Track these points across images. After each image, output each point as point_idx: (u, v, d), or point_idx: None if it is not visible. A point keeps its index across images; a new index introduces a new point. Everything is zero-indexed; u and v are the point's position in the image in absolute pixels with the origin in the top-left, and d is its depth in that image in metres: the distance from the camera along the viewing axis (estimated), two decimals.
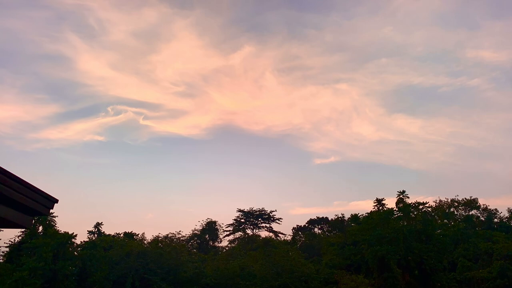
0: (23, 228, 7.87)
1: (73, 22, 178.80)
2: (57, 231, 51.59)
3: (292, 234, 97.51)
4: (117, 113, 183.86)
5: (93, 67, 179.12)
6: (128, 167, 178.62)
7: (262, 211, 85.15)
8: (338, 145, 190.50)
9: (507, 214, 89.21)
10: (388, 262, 53.94)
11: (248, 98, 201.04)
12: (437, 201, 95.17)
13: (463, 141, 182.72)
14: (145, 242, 60.40)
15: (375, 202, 63.25)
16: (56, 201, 6.05)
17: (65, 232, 51.34)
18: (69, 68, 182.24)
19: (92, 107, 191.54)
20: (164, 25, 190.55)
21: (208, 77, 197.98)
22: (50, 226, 55.47)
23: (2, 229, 19.75)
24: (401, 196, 61.92)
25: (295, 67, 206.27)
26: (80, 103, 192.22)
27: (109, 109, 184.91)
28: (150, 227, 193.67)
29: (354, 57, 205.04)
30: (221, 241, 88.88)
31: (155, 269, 45.60)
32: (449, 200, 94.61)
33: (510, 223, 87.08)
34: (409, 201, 61.63)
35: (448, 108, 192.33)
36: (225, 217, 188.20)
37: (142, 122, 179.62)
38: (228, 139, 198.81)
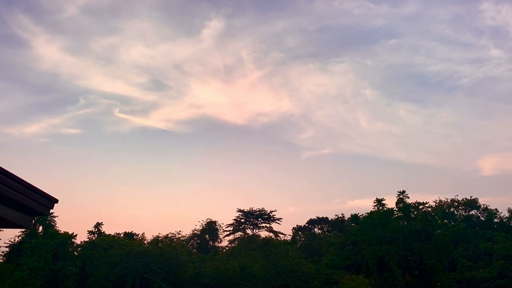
0: (23, 228, 7.87)
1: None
2: (57, 231, 51.63)
3: (292, 234, 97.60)
4: (89, 105, 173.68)
5: (50, 52, 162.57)
6: (116, 162, 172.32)
7: (262, 211, 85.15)
8: (333, 137, 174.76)
9: (507, 214, 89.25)
10: (388, 262, 53.95)
11: (226, 87, 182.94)
12: (437, 201, 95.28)
13: (472, 135, 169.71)
14: (145, 242, 60.45)
15: (375, 202, 63.29)
16: (56, 201, 6.05)
17: (65, 232, 51.42)
18: (25, 53, 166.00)
19: (60, 99, 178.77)
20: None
21: (180, 65, 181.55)
22: (50, 226, 55.50)
23: (2, 229, 19.76)
24: (401, 196, 61.97)
25: (278, 47, 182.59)
26: (46, 94, 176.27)
27: (80, 101, 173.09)
28: (149, 226, 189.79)
29: (353, 35, 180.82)
30: (221, 241, 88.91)
31: (155, 269, 45.61)
32: (449, 200, 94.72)
33: (510, 223, 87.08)
34: (411, 199, 61.75)
35: (461, 98, 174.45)
36: (224, 216, 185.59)
37: (118, 115, 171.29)
38: (213, 133, 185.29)
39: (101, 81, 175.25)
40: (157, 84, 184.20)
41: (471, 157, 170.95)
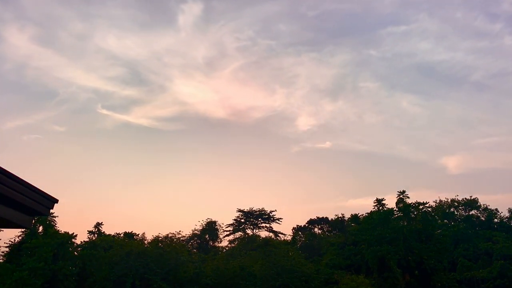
0: (23, 228, 7.88)
1: None
2: (57, 231, 51.62)
3: (292, 234, 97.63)
4: (69, 100, 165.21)
5: (21, 43, 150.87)
6: (110, 160, 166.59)
7: (262, 211, 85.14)
8: (332, 133, 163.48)
9: (507, 214, 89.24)
10: (388, 262, 53.96)
11: (211, 80, 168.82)
12: (437, 201, 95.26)
13: (479, 130, 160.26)
14: (145, 242, 60.43)
15: (375, 202, 63.33)
16: (56, 201, 6.04)
17: (65, 232, 51.42)
18: None
19: (38, 94, 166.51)
20: None
21: (160, 57, 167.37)
22: (50, 226, 55.46)
23: (2, 229, 19.77)
24: (401, 196, 62.01)
25: (268, 34, 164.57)
26: (23, 88, 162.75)
27: (60, 95, 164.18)
28: (149, 227, 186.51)
29: (356, 22, 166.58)
30: (221, 241, 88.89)
31: (155, 269, 45.60)
32: (449, 200, 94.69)
33: (510, 223, 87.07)
34: (416, 197, 61.88)
35: (469, 91, 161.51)
36: (224, 216, 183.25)
37: (100, 111, 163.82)
38: (202, 130, 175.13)
39: (78, 74, 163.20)
40: (138, 78, 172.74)
41: (476, 153, 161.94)
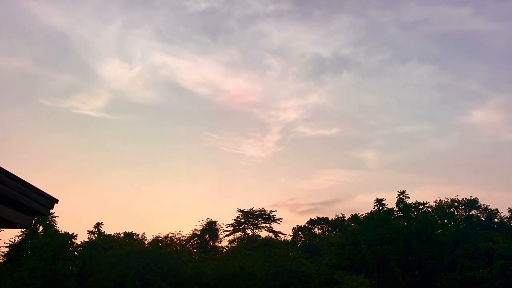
0: (23, 228, 7.89)
1: None
2: (57, 231, 51.62)
3: (292, 234, 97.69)
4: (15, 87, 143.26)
5: None
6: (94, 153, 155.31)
7: (262, 211, 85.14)
8: (330, 117, 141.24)
9: (507, 214, 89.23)
10: (388, 262, 53.96)
11: (178, 58, 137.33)
12: (437, 201, 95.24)
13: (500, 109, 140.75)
14: (145, 242, 60.44)
15: (375, 202, 63.34)
16: (56, 201, 6.04)
17: (65, 232, 51.42)
18: None
19: None
20: None
21: (91, 29, 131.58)
22: (50, 226, 55.43)
23: (2, 229, 19.76)
24: (401, 196, 62.04)
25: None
26: None
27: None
28: (149, 227, 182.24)
29: None
30: (221, 241, 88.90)
31: (155, 269, 45.61)
32: (449, 200, 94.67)
33: (510, 223, 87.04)
34: (414, 198, 61.91)
35: (492, 62, 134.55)
36: (224, 216, 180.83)
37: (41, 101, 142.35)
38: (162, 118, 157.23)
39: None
40: (75, 58, 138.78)
41: (494, 141, 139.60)
